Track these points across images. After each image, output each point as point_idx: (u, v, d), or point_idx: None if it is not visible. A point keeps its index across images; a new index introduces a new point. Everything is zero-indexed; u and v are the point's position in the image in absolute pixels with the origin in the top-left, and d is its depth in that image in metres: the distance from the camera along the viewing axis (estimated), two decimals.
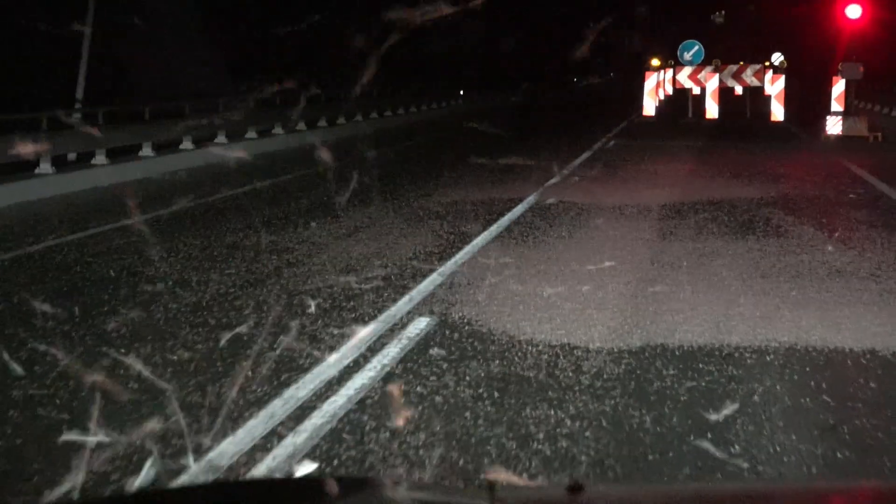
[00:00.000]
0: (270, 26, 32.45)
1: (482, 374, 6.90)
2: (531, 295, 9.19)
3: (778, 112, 34.70)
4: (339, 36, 32.78)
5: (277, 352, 7.35)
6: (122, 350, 7.46)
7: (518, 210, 14.34)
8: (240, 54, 31.84)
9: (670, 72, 38.13)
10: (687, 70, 37.00)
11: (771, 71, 35.94)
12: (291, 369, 6.98)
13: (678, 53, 37.67)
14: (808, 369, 7.06)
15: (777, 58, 37.77)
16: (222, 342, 7.62)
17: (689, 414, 6.12)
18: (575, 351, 7.46)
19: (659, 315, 8.49)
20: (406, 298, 9.06)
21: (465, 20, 42.85)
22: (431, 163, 21.67)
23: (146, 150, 21.40)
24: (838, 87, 31.20)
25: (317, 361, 7.14)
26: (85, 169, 19.02)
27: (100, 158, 19.61)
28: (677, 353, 7.42)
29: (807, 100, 35.12)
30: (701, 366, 7.11)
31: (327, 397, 6.42)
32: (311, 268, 10.44)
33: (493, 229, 12.74)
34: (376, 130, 31.22)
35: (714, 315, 8.48)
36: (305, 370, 6.97)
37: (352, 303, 8.93)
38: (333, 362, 7.13)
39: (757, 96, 37.44)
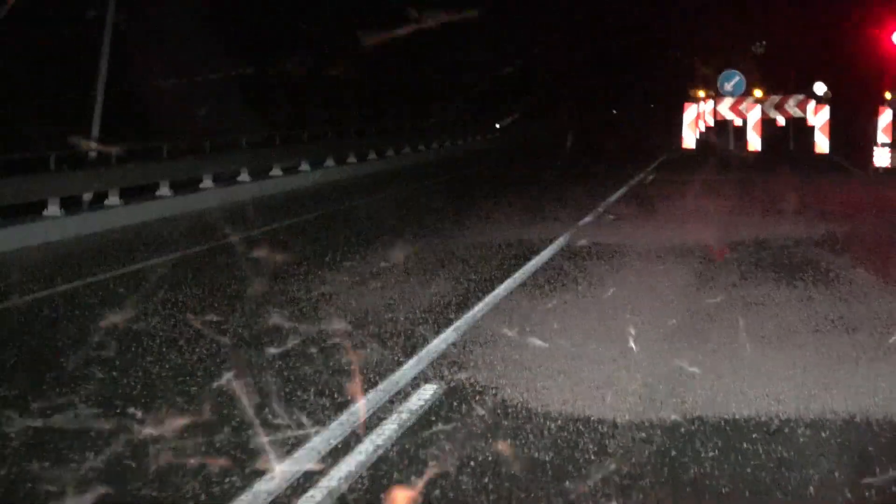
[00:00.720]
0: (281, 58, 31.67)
1: (490, 459, 5.92)
2: (553, 356, 8.22)
3: (822, 144, 33.53)
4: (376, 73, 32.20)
5: (253, 431, 6.40)
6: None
7: (547, 253, 13.38)
8: (256, 86, 31.00)
9: (710, 103, 37.10)
10: (728, 101, 35.92)
11: (814, 101, 34.83)
12: (269, 452, 6.03)
13: (718, 84, 36.60)
14: (869, 447, 6.08)
15: (821, 88, 36.66)
16: (180, 423, 6.67)
17: None
18: (599, 426, 6.48)
19: (693, 381, 7.50)
20: (413, 361, 8.09)
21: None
22: (460, 199, 20.71)
23: (163, 190, 20.58)
24: (886, 117, 30.02)
25: (300, 443, 6.18)
26: (97, 210, 18.18)
27: (113, 199, 18.77)
28: (717, 428, 6.44)
29: (853, 131, 33.96)
30: (745, 445, 6.13)
31: (305, 490, 5.47)
32: (314, 324, 9.50)
33: (518, 275, 11.78)
34: (405, 166, 30.40)
35: (755, 382, 7.49)
36: (286, 453, 6.01)
37: (352, 366, 7.99)
38: (318, 444, 6.17)
39: (800, 128, 36.33)
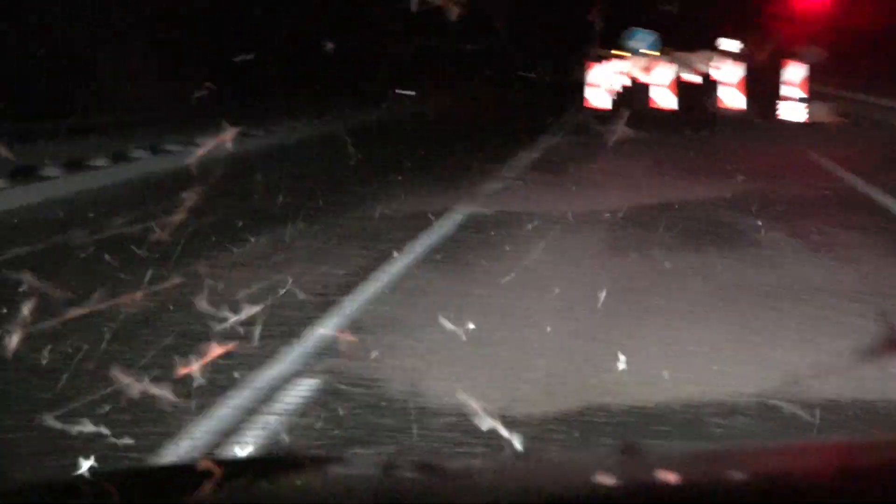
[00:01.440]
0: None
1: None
2: (450, 341, 7.57)
3: (737, 100, 33.21)
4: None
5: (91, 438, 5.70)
6: None
7: (449, 224, 12.70)
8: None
9: (625, 62, 36.63)
10: (641, 60, 35.49)
11: (729, 58, 34.48)
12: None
13: (631, 43, 36.15)
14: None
15: (734, 44, 36.27)
16: None
17: None
18: (497, 419, 5.84)
19: (600, 361, 6.90)
20: (292, 352, 7.41)
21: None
22: (360, 170, 19.90)
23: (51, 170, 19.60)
24: (797, 71, 29.73)
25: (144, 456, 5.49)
26: None
27: None
28: (620, 415, 5.84)
29: (767, 87, 33.66)
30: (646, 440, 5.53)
31: None
32: (192, 310, 8.76)
33: (418, 248, 11.11)
34: (308, 137, 29.46)
35: (672, 355, 6.91)
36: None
37: (227, 360, 7.28)
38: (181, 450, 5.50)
39: (715, 84, 35.99)
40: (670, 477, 2.25)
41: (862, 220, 11.95)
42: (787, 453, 2.51)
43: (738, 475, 2.24)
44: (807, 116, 26.00)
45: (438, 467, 2.47)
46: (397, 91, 42.68)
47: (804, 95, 28.47)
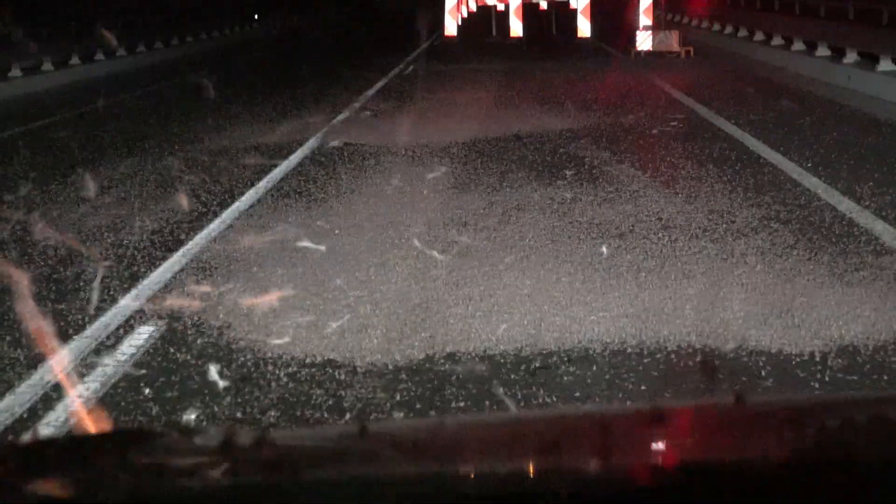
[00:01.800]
0: None
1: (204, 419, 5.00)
2: (294, 284, 7.30)
3: (585, 28, 33.17)
4: None
5: None
6: None
7: (295, 158, 12.36)
8: None
9: None
10: None
11: None
12: None
13: None
14: (641, 383, 5.38)
15: None
16: None
17: None
18: (338, 372, 5.61)
19: (445, 307, 6.69)
20: (129, 296, 7.07)
21: None
22: (206, 100, 19.29)
23: None
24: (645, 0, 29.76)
25: None
26: None
27: None
28: (466, 365, 5.64)
29: (615, 14, 33.67)
30: (502, 389, 5.34)
31: None
32: (18, 253, 8.34)
33: (262, 185, 10.77)
34: (146, 65, 28.45)
35: (515, 304, 6.73)
36: None
37: (61, 305, 6.92)
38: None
39: (562, 12, 35.93)
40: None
41: (714, 152, 11.88)
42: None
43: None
44: (652, 45, 25.98)
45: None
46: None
47: (650, 23, 28.48)
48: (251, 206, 9.83)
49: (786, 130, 13.37)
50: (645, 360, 5.66)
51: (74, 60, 26.02)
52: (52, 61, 24.74)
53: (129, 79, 23.96)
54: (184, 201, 10.03)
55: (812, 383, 5.38)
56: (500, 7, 35.23)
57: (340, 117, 15.91)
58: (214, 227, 9.03)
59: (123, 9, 30.00)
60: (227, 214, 9.49)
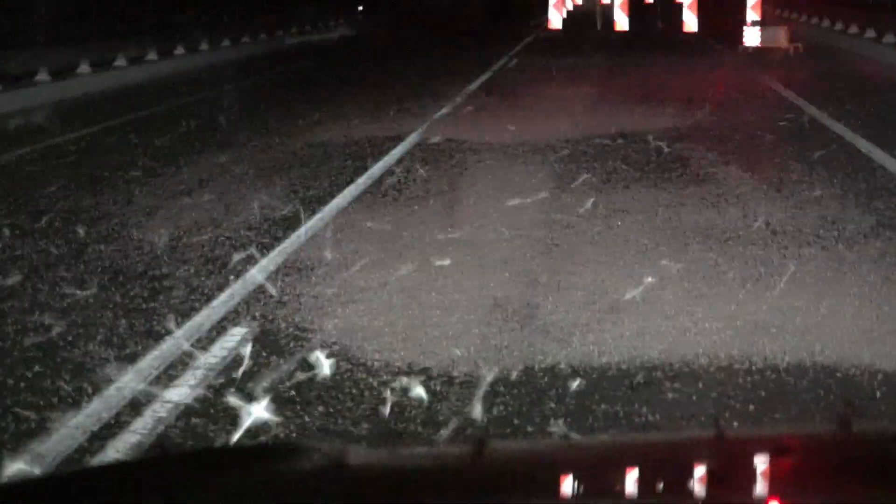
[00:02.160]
0: None
1: (300, 427, 4.84)
2: (389, 288, 7.12)
3: (691, 22, 32.75)
4: None
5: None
6: None
7: (396, 152, 12.21)
8: None
9: None
10: None
11: None
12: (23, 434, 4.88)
13: None
14: (756, 402, 5.12)
15: None
16: None
17: None
18: (432, 382, 5.43)
19: (544, 317, 6.47)
20: (223, 297, 6.94)
21: None
22: (309, 92, 19.25)
23: None
24: None
25: (60, 418, 5.03)
26: None
27: None
28: (564, 384, 5.41)
29: (722, 8, 33.16)
30: (604, 406, 5.12)
31: None
32: (120, 246, 8.27)
33: (362, 181, 10.62)
34: (251, 55, 28.45)
35: (620, 311, 6.49)
36: (41, 432, 4.87)
37: (152, 303, 6.82)
38: (83, 421, 5.03)
39: (669, 5, 35.47)
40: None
41: (824, 154, 11.52)
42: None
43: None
44: (760, 41, 25.47)
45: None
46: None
47: (757, 18, 27.97)
48: (350, 205, 9.69)
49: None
50: (754, 378, 5.39)
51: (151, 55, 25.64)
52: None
53: (248, 64, 24.04)
54: (282, 197, 9.93)
55: None
56: (606, 1, 34.86)
57: (442, 112, 15.74)
58: (311, 225, 8.90)
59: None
60: (326, 213, 9.36)
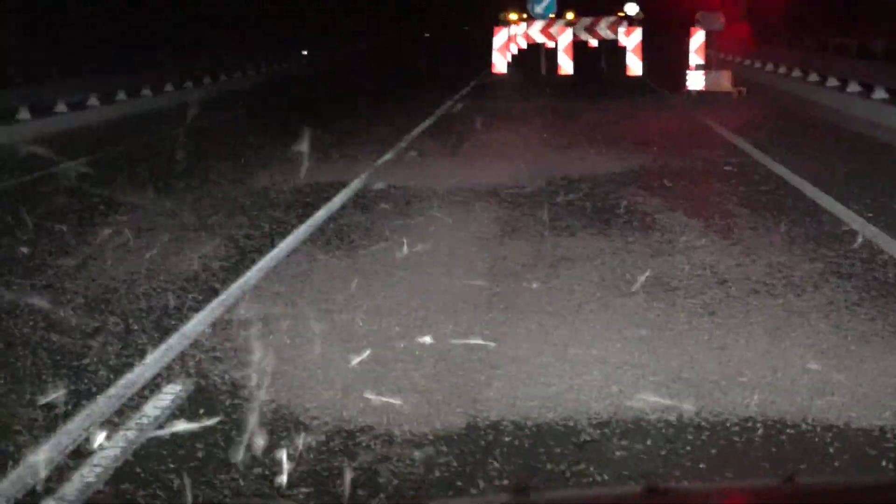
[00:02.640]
0: None
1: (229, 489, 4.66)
2: (331, 338, 6.95)
3: (635, 66, 32.81)
4: None
5: None
6: None
7: (338, 200, 12.05)
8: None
9: (522, 25, 35.99)
10: (539, 24, 34.91)
11: (626, 23, 34.03)
12: None
13: (529, 6, 35.57)
14: (700, 461, 4.98)
15: (632, 8, 35.83)
16: None
17: None
18: (374, 442, 5.25)
19: (486, 369, 6.31)
20: (158, 353, 6.74)
21: None
22: (249, 137, 18.99)
23: None
24: (697, 38, 29.28)
25: None
26: None
27: None
28: (515, 438, 5.26)
29: (665, 53, 33.29)
30: (549, 465, 4.97)
31: None
32: (49, 304, 8.04)
33: (302, 231, 10.45)
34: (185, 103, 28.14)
35: (562, 366, 6.35)
36: None
37: (84, 360, 6.61)
38: (6, 489, 4.81)
39: (613, 50, 35.60)
40: None
41: (770, 200, 11.47)
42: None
43: None
44: (704, 84, 25.54)
45: None
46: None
47: (701, 62, 28.03)
48: (291, 254, 9.51)
49: (843, 176, 12.93)
50: (704, 436, 5.26)
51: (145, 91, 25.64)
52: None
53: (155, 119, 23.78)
54: (220, 249, 9.74)
55: (884, 462, 4.98)
56: (550, 45, 34.91)
57: (386, 157, 15.61)
58: (251, 275, 8.72)
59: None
60: (266, 262, 9.18)
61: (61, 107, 22.26)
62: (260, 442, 5.24)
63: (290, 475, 4.89)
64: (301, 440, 5.27)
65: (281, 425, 5.48)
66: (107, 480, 4.90)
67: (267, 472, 4.93)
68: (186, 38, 31.51)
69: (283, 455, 5.08)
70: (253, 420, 5.54)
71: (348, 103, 25.89)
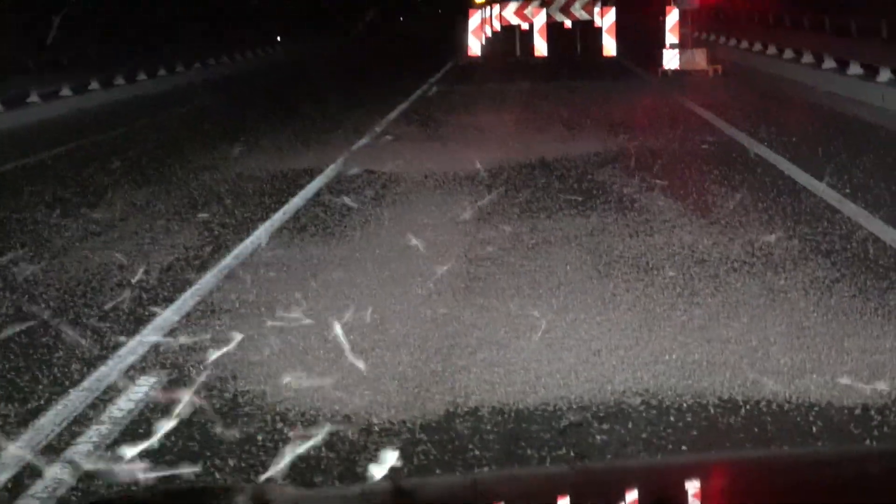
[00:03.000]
0: None
1: None
2: (305, 331, 6.87)
3: (610, 46, 32.73)
4: None
5: None
6: None
7: (313, 186, 11.95)
8: None
9: (496, 8, 35.88)
10: (513, 5, 34.80)
11: (600, 3, 33.95)
12: None
13: None
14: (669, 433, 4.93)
15: None
16: None
17: None
18: (353, 433, 5.18)
19: (465, 354, 6.24)
20: (131, 345, 6.65)
21: None
22: (223, 125, 18.87)
23: None
24: (672, 17, 29.22)
25: None
26: None
27: None
28: (497, 426, 5.20)
29: (640, 32, 33.22)
30: (529, 451, 4.91)
31: None
32: (25, 290, 7.94)
33: (277, 219, 10.34)
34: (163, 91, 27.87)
35: (544, 350, 6.28)
36: None
37: (57, 353, 6.51)
38: None
39: (587, 30, 35.48)
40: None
41: (748, 178, 11.43)
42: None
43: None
44: (679, 63, 25.50)
45: None
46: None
47: (676, 41, 27.96)
48: (265, 243, 9.43)
49: (820, 153, 12.88)
50: (686, 418, 5.20)
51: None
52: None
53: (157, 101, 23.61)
54: (193, 239, 9.64)
55: (867, 441, 4.93)
56: (525, 26, 34.81)
57: (361, 142, 15.50)
58: (225, 264, 8.62)
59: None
60: (241, 251, 9.09)
61: (34, 97, 22.10)
62: (231, 431, 5.17)
63: (266, 468, 4.82)
64: (277, 435, 5.21)
65: (258, 416, 5.41)
66: (80, 477, 4.83)
67: (244, 464, 4.86)
68: (162, 29, 31.19)
69: (259, 446, 5.02)
70: (223, 413, 5.48)
71: (326, 89, 25.74)
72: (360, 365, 6.03)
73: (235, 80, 29.79)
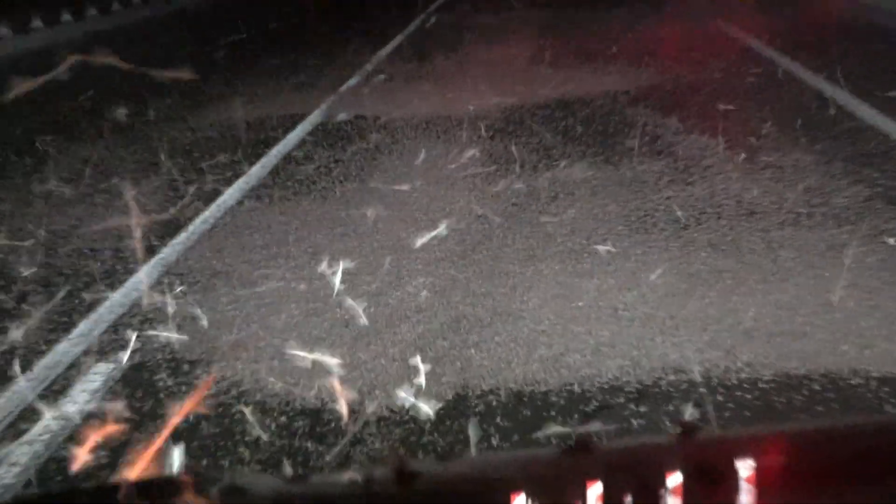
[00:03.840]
0: None
1: None
2: (276, 297, 6.86)
3: None
4: None
5: None
6: None
7: (294, 136, 11.90)
8: None
9: None
10: None
11: None
12: None
13: None
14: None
15: None
16: None
17: None
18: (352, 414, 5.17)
19: (468, 345, 6.23)
20: (90, 321, 6.64)
21: None
22: (199, 60, 18.75)
23: None
24: None
25: None
26: None
27: None
28: (495, 408, 5.19)
29: None
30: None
31: None
32: None
33: (255, 172, 10.32)
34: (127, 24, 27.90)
35: (571, 319, 6.27)
36: None
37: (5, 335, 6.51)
38: None
39: None
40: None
41: (801, 114, 11.36)
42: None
43: None
44: None
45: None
46: None
47: None
48: (237, 203, 9.41)
49: (885, 84, 12.79)
50: (736, 394, 5.19)
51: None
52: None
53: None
54: (166, 193, 9.61)
55: None
56: None
57: (350, 83, 15.44)
58: (195, 228, 8.61)
59: None
60: (211, 212, 9.07)
61: None
62: (206, 414, 5.18)
63: (250, 447, 4.82)
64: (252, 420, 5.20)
65: (231, 399, 5.40)
66: (38, 467, 4.85)
67: (219, 449, 4.86)
68: None
69: (242, 426, 5.02)
70: (192, 395, 5.48)
71: (312, 19, 25.65)
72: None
73: (199, 15, 29.65)
